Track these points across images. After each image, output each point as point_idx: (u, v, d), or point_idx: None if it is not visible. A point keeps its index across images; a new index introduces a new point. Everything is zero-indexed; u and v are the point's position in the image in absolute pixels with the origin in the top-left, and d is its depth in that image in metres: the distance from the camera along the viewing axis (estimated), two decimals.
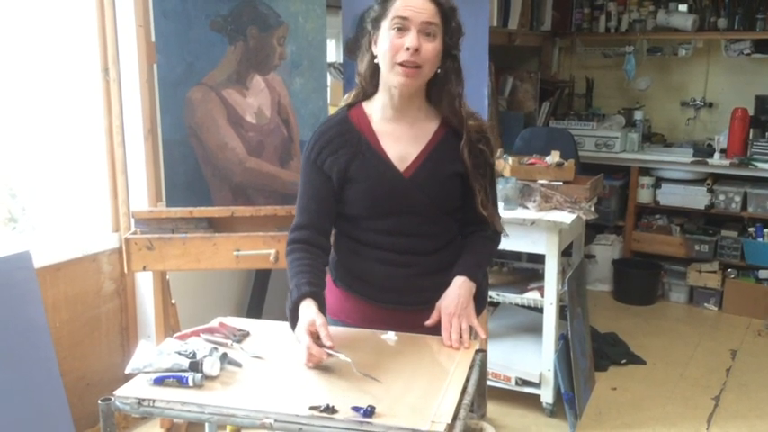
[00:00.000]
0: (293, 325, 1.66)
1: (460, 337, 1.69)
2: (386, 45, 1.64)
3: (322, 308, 1.66)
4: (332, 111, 3.01)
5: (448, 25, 1.66)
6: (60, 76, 2.87)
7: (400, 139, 1.73)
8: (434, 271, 1.77)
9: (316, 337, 1.56)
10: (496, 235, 1.85)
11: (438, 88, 1.73)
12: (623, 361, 3.81)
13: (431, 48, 1.63)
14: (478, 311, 1.80)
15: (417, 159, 1.72)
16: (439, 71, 1.69)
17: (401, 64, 1.62)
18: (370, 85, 1.75)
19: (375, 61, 1.69)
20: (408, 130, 1.74)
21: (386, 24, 1.64)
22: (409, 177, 1.71)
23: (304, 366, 1.59)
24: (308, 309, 1.62)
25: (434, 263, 1.78)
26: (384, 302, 1.79)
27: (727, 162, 4.61)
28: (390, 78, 1.67)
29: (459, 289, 1.73)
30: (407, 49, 1.61)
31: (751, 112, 4.68)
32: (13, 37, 2.72)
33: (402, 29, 1.62)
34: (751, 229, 4.61)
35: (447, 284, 1.75)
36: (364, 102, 1.78)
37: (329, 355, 1.56)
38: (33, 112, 2.84)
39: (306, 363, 1.57)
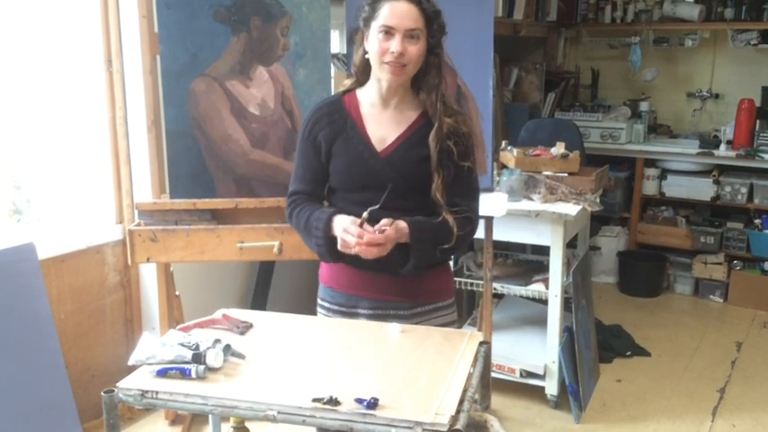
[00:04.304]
0: (328, 248, 1.85)
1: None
2: (375, 46, 1.81)
3: None
4: None
5: (431, 27, 1.82)
6: (64, 67, 2.86)
7: (382, 123, 1.91)
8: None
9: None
10: (453, 223, 1.88)
11: (420, 79, 1.89)
12: (628, 353, 3.80)
13: (415, 49, 1.80)
14: (410, 271, 1.86)
15: (395, 142, 1.89)
16: (422, 64, 1.86)
17: (388, 63, 1.80)
18: (363, 75, 1.93)
19: (366, 56, 1.86)
20: (391, 116, 1.91)
21: (375, 26, 1.81)
22: (385, 157, 1.88)
23: (306, 361, 1.59)
24: (342, 218, 1.82)
25: None
26: (361, 267, 1.90)
27: (733, 153, 4.58)
28: (379, 73, 1.85)
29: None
30: (393, 52, 1.78)
31: (758, 103, 4.64)
32: (17, 29, 2.72)
33: (388, 34, 1.79)
34: (757, 221, 4.58)
35: None
36: (358, 89, 1.96)
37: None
38: (37, 105, 2.84)
39: (363, 246, 1.74)
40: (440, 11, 1.84)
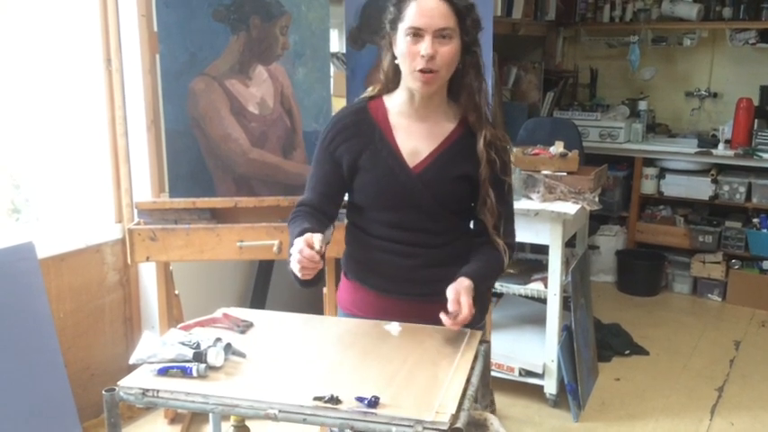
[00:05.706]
0: (295, 276, 1.66)
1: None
2: (403, 50, 1.64)
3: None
4: (335, 101, 3.03)
5: (463, 23, 1.65)
6: (63, 66, 2.86)
7: (414, 135, 1.73)
8: (439, 263, 1.76)
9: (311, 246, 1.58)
10: (504, 252, 1.79)
11: (457, 82, 1.72)
12: (626, 352, 3.81)
13: (447, 51, 1.63)
14: (478, 320, 1.76)
15: (429, 157, 1.72)
16: (459, 65, 1.69)
17: (419, 70, 1.63)
18: (393, 82, 1.76)
19: (396, 62, 1.70)
20: (424, 127, 1.74)
21: (402, 28, 1.64)
22: (418, 174, 1.71)
23: (307, 360, 1.59)
24: (299, 240, 1.63)
25: (439, 255, 1.77)
26: (389, 292, 1.80)
27: (731, 152, 4.59)
28: (410, 83, 1.68)
29: (461, 283, 1.66)
30: (423, 55, 1.61)
31: (756, 102, 4.65)
32: (16, 28, 2.72)
33: (417, 35, 1.62)
34: (755, 220, 4.59)
35: (452, 277, 1.68)
36: (386, 95, 1.78)
37: (319, 252, 1.58)
38: (37, 104, 2.84)
39: (298, 262, 1.57)
40: (473, 4, 1.65)
